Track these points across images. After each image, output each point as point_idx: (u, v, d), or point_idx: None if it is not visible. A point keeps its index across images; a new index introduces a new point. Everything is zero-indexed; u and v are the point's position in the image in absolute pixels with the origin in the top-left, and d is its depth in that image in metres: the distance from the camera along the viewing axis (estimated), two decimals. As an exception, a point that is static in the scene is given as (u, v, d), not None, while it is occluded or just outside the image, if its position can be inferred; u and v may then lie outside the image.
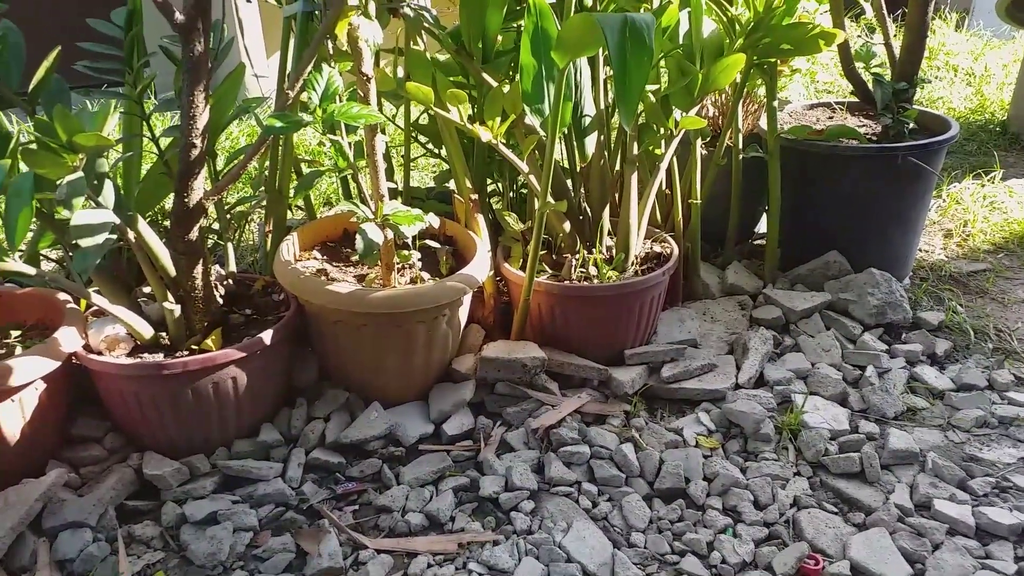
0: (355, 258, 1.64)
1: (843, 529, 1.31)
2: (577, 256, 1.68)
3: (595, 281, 1.65)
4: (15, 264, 1.10)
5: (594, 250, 1.71)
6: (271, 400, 1.52)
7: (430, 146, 2.07)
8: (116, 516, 1.34)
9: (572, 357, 1.64)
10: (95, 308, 1.51)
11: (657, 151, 1.76)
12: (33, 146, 1.15)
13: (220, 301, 1.51)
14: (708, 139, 2.11)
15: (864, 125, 2.12)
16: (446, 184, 2.09)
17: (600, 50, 1.68)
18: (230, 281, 1.58)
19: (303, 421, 1.52)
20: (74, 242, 1.21)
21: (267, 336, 1.42)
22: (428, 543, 1.33)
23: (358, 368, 1.56)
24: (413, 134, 1.93)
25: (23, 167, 1.16)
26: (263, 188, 1.79)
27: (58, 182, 1.15)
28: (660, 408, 1.62)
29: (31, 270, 1.13)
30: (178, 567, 1.28)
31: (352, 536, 1.33)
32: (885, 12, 2.18)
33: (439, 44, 1.68)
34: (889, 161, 1.90)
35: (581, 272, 1.68)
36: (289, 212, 1.90)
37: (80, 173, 1.14)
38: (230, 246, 1.63)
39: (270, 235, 1.81)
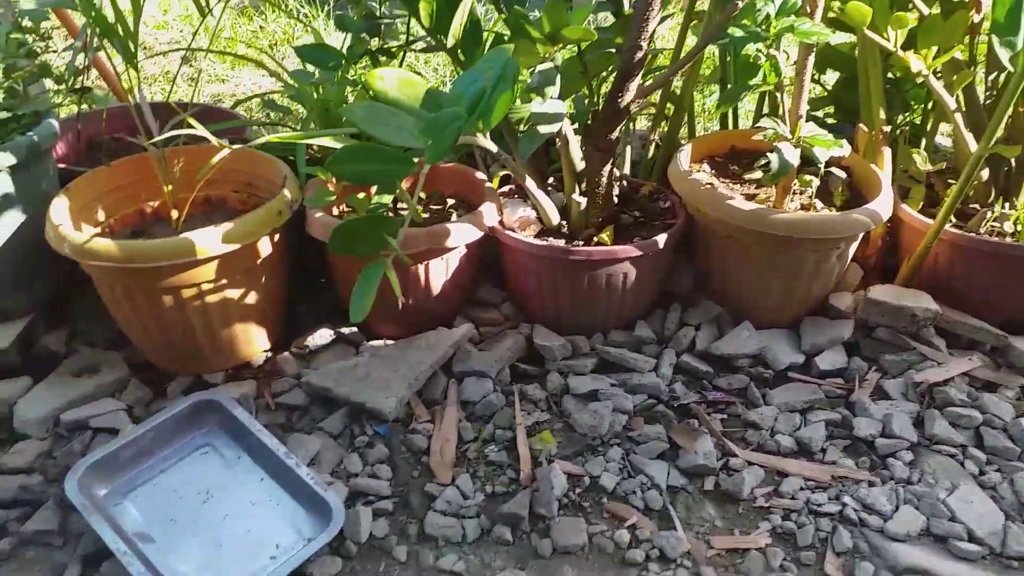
0: (749, 176, 1.63)
1: None
2: (992, 209, 1.53)
3: (1009, 239, 1.50)
4: (484, 141, 1.23)
5: (1011, 205, 1.55)
6: (649, 300, 1.59)
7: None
8: (510, 374, 1.51)
9: (966, 316, 1.52)
10: (505, 189, 1.66)
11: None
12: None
13: (615, 200, 1.59)
14: None
15: None
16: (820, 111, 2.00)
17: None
18: (624, 183, 1.65)
19: (676, 325, 1.58)
20: (526, 127, 1.33)
21: (661, 239, 1.48)
22: (799, 467, 1.34)
23: (736, 286, 1.57)
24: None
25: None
26: (652, 97, 1.83)
27: (530, 70, 1.25)
28: (1065, 389, 1.47)
29: (493, 147, 1.26)
30: (562, 431, 1.41)
31: (724, 442, 1.37)
32: None
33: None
34: None
35: (993, 226, 1.53)
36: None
37: (551, 63, 1.24)
38: (628, 149, 1.70)
39: (652, 143, 1.86)
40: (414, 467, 1.35)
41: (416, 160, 1.06)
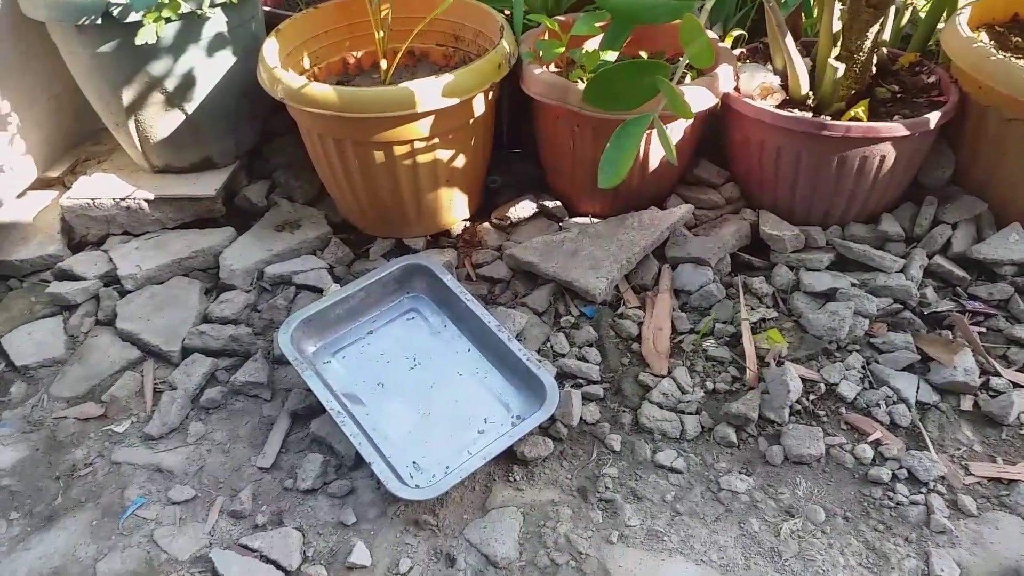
0: (1040, 48, 1.36)
1: None
2: None
3: None
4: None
5: None
6: (899, 190, 1.38)
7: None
8: (731, 264, 1.36)
9: None
10: (740, 52, 1.46)
11: None
12: None
13: (873, 71, 1.36)
14: None
15: None
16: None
17: None
18: (883, 51, 1.41)
19: (929, 222, 1.37)
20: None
21: (932, 118, 1.25)
22: (1079, 395, 1.15)
23: (1008, 180, 1.33)
24: None
25: None
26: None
27: None
28: None
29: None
30: (792, 331, 1.26)
31: (985, 358, 1.19)
32: None
33: None
34: None
35: None
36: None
37: None
38: (892, 9, 1.44)
39: (908, 7, 1.58)
40: (624, 354, 1.25)
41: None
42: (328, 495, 1.05)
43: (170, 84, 1.35)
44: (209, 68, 1.37)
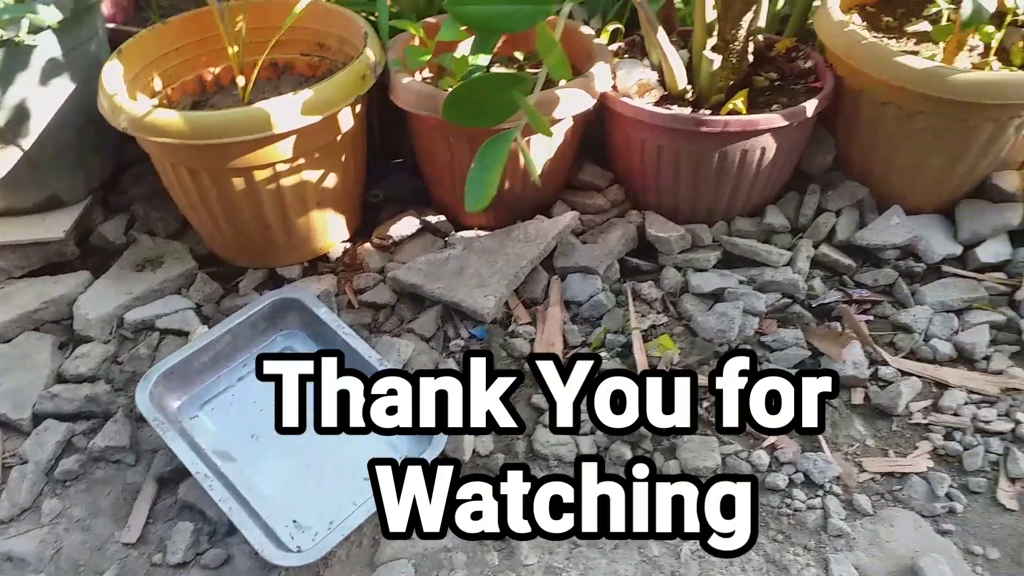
0: (911, 28, 1.36)
1: None
2: None
3: None
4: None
5: None
6: (782, 180, 1.36)
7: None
8: (619, 270, 1.32)
9: None
10: (618, 47, 1.42)
11: None
12: None
13: (750, 59, 1.33)
14: None
15: None
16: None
17: None
18: (759, 38, 1.38)
19: (813, 211, 1.36)
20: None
21: (810, 106, 1.24)
22: (961, 377, 1.15)
23: (885, 163, 1.33)
24: None
25: None
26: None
27: None
28: None
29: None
30: (683, 336, 1.23)
31: (873, 348, 1.18)
32: None
33: None
34: None
35: None
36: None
37: None
38: (764, -3, 1.42)
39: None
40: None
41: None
42: (201, 567, 0.97)
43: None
44: (44, 98, 1.24)
